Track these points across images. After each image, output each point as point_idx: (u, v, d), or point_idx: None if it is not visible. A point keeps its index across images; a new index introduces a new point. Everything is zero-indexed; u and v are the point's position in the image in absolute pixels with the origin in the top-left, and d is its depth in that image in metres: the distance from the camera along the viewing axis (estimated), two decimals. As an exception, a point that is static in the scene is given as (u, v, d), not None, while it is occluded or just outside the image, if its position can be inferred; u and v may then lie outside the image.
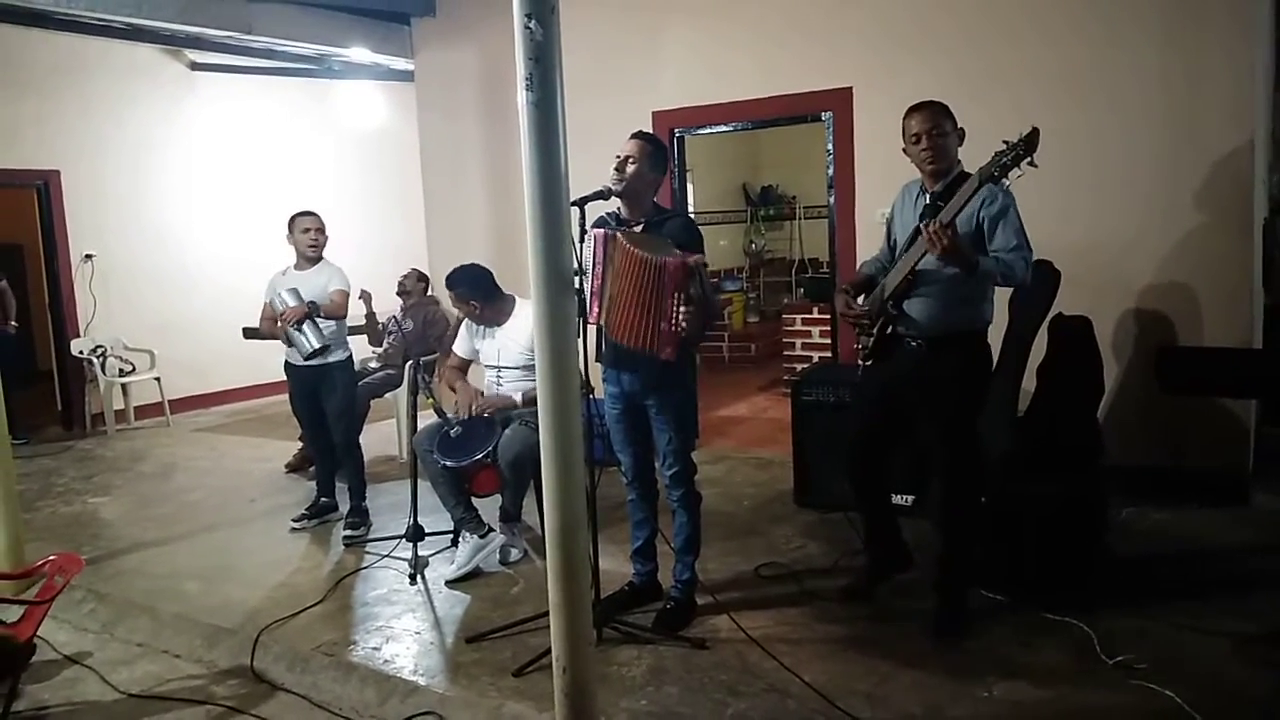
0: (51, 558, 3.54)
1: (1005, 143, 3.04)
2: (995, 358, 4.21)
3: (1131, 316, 4.80)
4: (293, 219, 4.96)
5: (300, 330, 4.71)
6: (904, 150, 3.37)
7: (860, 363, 3.59)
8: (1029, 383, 4.27)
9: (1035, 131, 3.01)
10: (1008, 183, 3.08)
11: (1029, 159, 3.00)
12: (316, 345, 4.73)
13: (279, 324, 4.76)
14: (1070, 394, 4.18)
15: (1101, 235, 4.78)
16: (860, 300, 3.54)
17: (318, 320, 4.74)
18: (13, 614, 3.47)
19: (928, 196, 3.34)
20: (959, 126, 3.31)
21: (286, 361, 5.02)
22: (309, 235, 4.90)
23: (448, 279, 4.45)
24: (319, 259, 4.94)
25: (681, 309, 3.20)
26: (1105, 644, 3.20)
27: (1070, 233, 4.73)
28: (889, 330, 3.44)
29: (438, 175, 7.29)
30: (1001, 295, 4.18)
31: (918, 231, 3.25)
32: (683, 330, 3.23)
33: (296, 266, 4.98)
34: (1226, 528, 4.30)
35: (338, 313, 4.82)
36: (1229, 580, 3.80)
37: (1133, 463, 4.53)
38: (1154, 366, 4.33)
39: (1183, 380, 4.19)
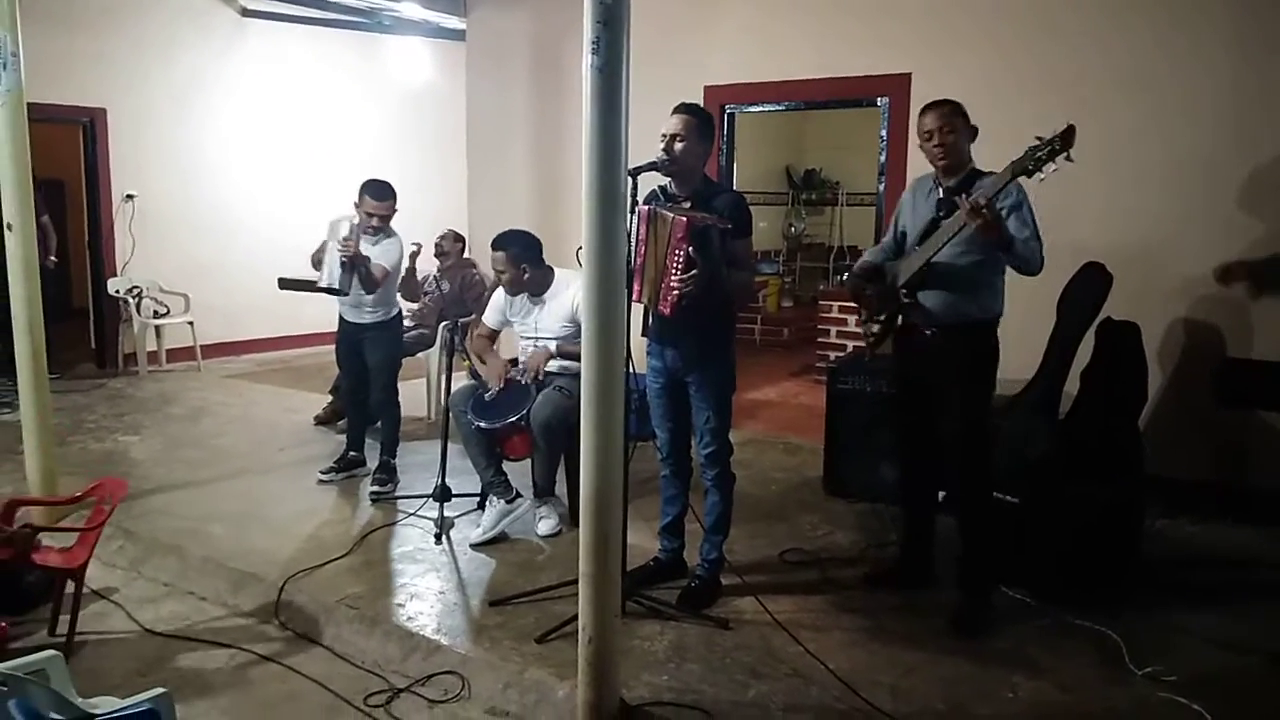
0: (96, 485, 3.58)
1: (1038, 138, 3.04)
2: (1041, 356, 4.20)
3: (1181, 325, 4.71)
4: (361, 191, 4.86)
5: (342, 267, 4.66)
6: (920, 146, 3.46)
7: (868, 348, 3.70)
8: (1072, 385, 4.21)
9: (1071, 128, 3.01)
10: (1043, 177, 3.04)
11: (1065, 155, 2.99)
12: (333, 285, 4.70)
13: (339, 244, 4.65)
14: (1114, 400, 4.12)
15: (1156, 240, 4.69)
16: (869, 287, 3.62)
17: (359, 272, 4.71)
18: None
19: (941, 190, 3.40)
20: (972, 125, 3.39)
21: (340, 313, 5.05)
22: (373, 219, 4.82)
23: (498, 239, 4.37)
24: (382, 231, 4.90)
25: (678, 268, 3.19)
26: (1134, 653, 3.16)
27: (1125, 236, 4.67)
28: (899, 320, 3.52)
29: (483, 138, 7.26)
30: (1049, 295, 4.17)
31: (933, 224, 3.35)
32: (675, 289, 3.21)
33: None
34: (1264, 545, 4.23)
35: (371, 284, 4.78)
36: (1264, 597, 3.75)
37: (1172, 474, 4.45)
38: (1213, 380, 4.28)
39: (1239, 394, 4.13)
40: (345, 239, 4.65)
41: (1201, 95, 4.59)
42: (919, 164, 5.25)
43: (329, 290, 4.76)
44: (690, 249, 3.18)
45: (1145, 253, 4.64)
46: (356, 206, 4.87)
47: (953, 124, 3.33)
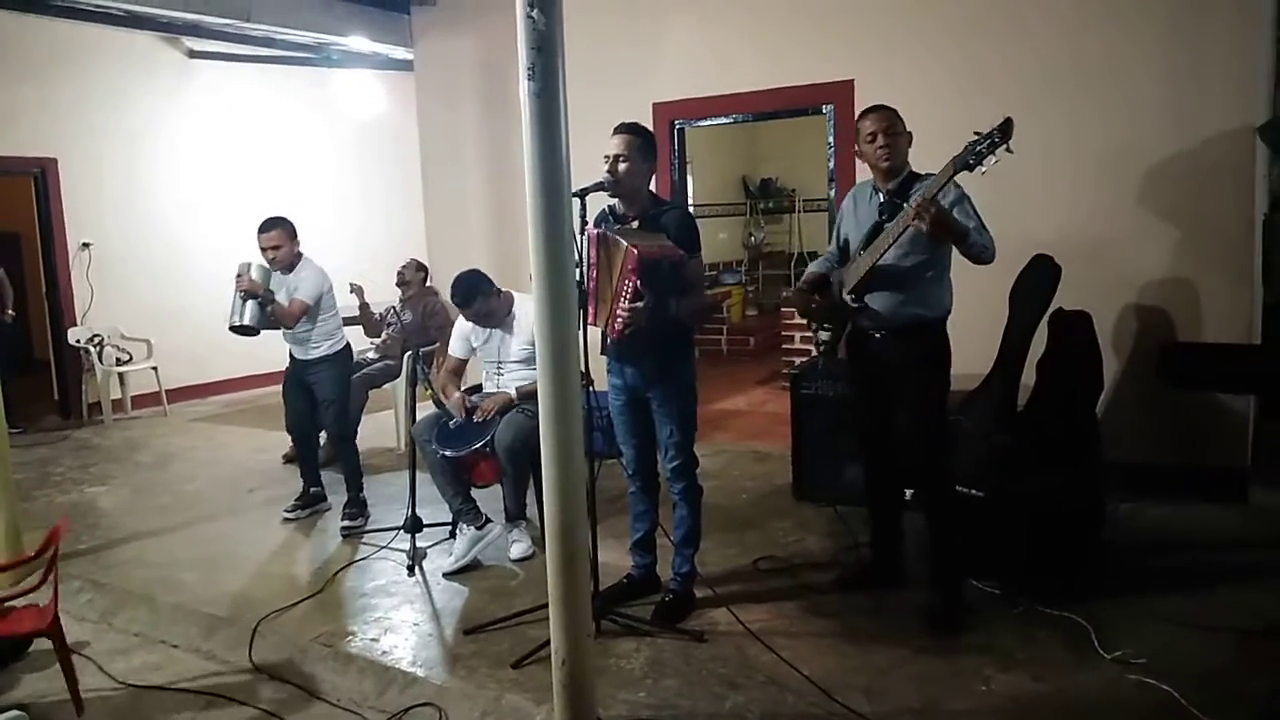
0: (51, 533, 3.54)
1: (976, 133, 3.08)
2: (996, 350, 4.26)
3: (1132, 312, 4.79)
4: (259, 229, 4.89)
5: (243, 301, 4.71)
6: (856, 150, 3.52)
7: (820, 355, 3.77)
8: (1028, 377, 4.26)
9: (1009, 120, 3.05)
10: (984, 170, 3.09)
11: (1005, 146, 3.03)
12: (243, 322, 4.72)
13: (237, 279, 4.73)
14: (1069, 389, 4.18)
15: (1103, 230, 4.77)
16: (816, 298, 3.66)
17: (264, 306, 4.72)
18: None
19: (882, 195, 3.44)
20: (908, 130, 3.44)
21: (289, 350, 5.05)
22: (266, 253, 4.85)
23: (457, 298, 4.39)
24: (286, 267, 4.88)
25: (626, 297, 3.22)
26: (1103, 638, 3.20)
27: (1071, 227, 4.74)
28: (848, 325, 3.57)
29: (437, 165, 7.27)
30: (1000, 288, 4.23)
31: (876, 229, 3.39)
32: (620, 318, 3.25)
33: None
34: (1225, 523, 4.31)
35: (284, 318, 4.78)
36: (1228, 576, 3.80)
37: (1131, 458, 4.52)
38: (1157, 363, 4.34)
39: (1186, 376, 4.20)
40: (238, 275, 4.72)
41: (1137, 84, 4.68)
42: (867, 168, 5.35)
43: (238, 330, 4.76)
44: (639, 281, 3.20)
45: (1092, 242, 4.71)
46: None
47: (894, 125, 3.39)
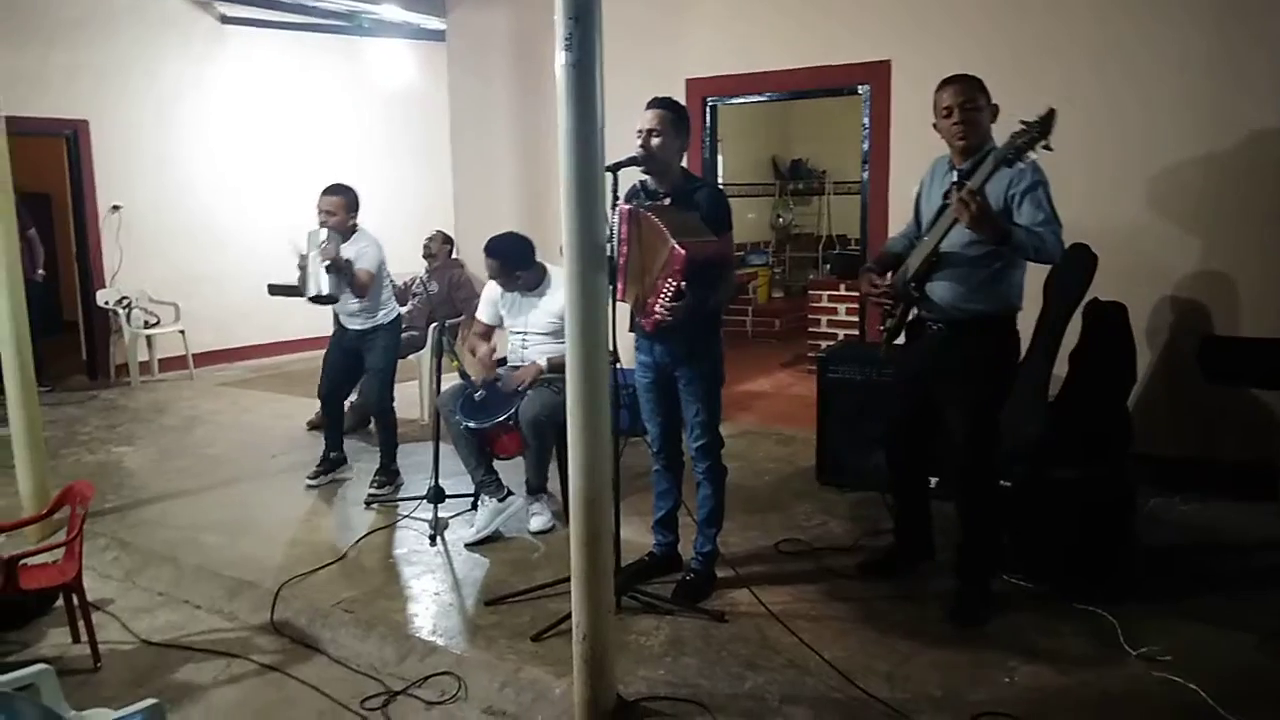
0: (63, 492, 3.58)
1: (1022, 123, 2.96)
2: (1026, 343, 4.19)
3: (1168, 304, 4.71)
4: (323, 191, 4.92)
5: (326, 272, 4.67)
6: (934, 125, 3.29)
7: (882, 343, 3.54)
8: (1060, 368, 4.21)
9: (1052, 112, 2.92)
10: (1034, 156, 2.97)
11: (1044, 142, 2.91)
12: (326, 292, 4.71)
13: (317, 251, 4.69)
14: (1102, 381, 4.13)
15: (1142, 220, 4.69)
16: (887, 278, 3.45)
17: (344, 275, 4.71)
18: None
19: (955, 173, 3.25)
20: (993, 102, 3.22)
21: (336, 315, 5.08)
22: (320, 215, 4.85)
23: (490, 245, 4.36)
24: (342, 234, 4.88)
25: (669, 295, 3.17)
26: (1129, 634, 3.17)
27: (1110, 216, 4.65)
28: (910, 313, 3.38)
29: (467, 137, 7.24)
30: (1035, 278, 4.16)
31: (943, 208, 3.19)
32: (660, 314, 3.21)
33: None
34: (1255, 521, 4.24)
35: (360, 288, 4.79)
36: (1256, 574, 3.76)
37: (1163, 452, 4.46)
38: (1198, 355, 4.27)
39: (1227, 370, 4.12)
40: (324, 244, 4.68)
41: (1180, 73, 4.58)
42: (902, 151, 5.30)
43: (319, 299, 4.76)
44: (683, 283, 3.15)
45: (1130, 233, 4.64)
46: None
47: (974, 99, 3.15)
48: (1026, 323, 4.18)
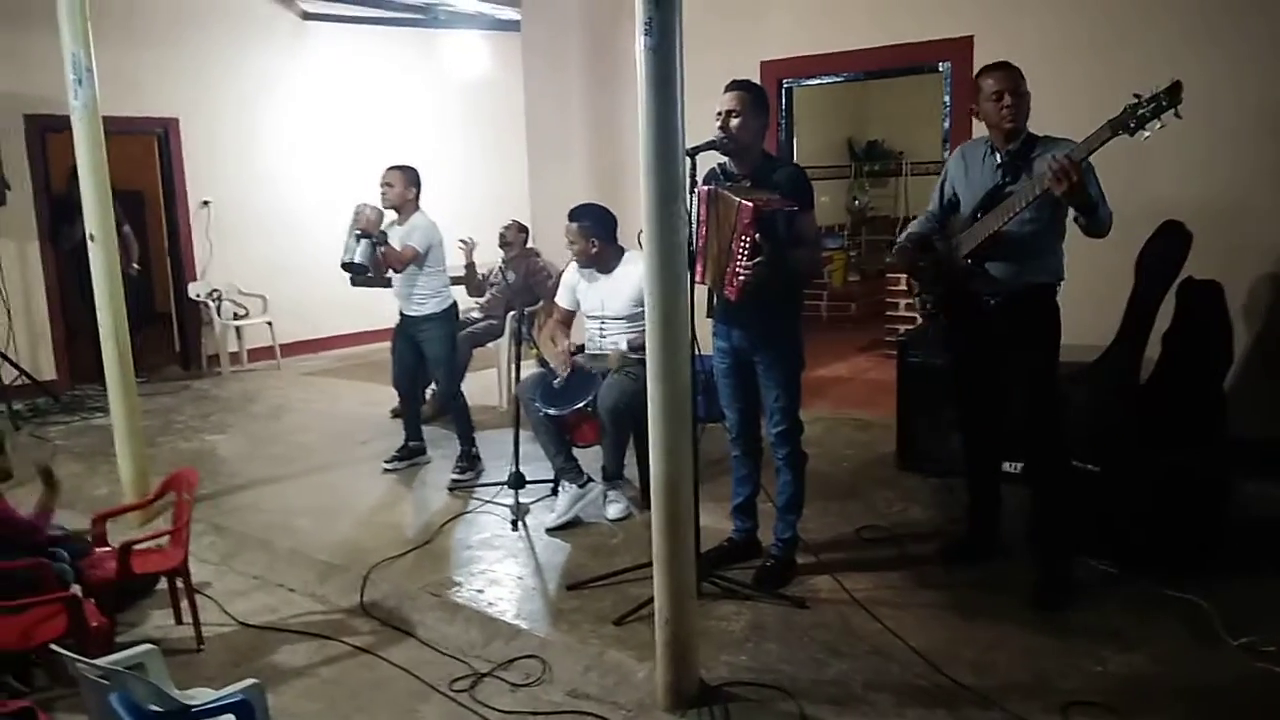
0: (169, 480, 3.73)
1: (1136, 96, 2.92)
2: (1118, 320, 4.09)
3: (1267, 282, 4.53)
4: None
5: (357, 240, 4.83)
6: (973, 109, 3.39)
7: (925, 321, 3.70)
8: (1153, 349, 4.08)
9: (1178, 84, 2.89)
10: (1147, 135, 2.93)
11: (1174, 111, 2.88)
12: (353, 259, 4.84)
13: (355, 215, 4.87)
14: (1196, 362, 3.99)
15: (1236, 196, 4.51)
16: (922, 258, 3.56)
17: (375, 246, 4.83)
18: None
19: (999, 156, 3.31)
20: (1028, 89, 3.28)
21: (399, 308, 5.19)
22: (381, 188, 5.00)
23: (574, 210, 4.41)
24: (397, 209, 5.01)
25: (744, 254, 3.17)
26: (1228, 623, 3.07)
27: (1205, 192, 4.50)
28: (959, 290, 3.44)
29: (541, 126, 7.28)
30: (1125, 256, 4.05)
31: (995, 191, 3.27)
32: (740, 275, 3.19)
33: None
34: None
35: (393, 261, 4.90)
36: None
37: (1261, 435, 4.29)
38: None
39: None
40: (359, 208, 4.85)
41: (1273, 43, 4.38)
42: (984, 129, 5.16)
43: (349, 267, 4.89)
44: (757, 235, 3.15)
45: (1226, 209, 4.46)
46: None
47: (1019, 85, 3.25)
48: (1118, 303, 4.10)
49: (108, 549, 3.58)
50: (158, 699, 2.26)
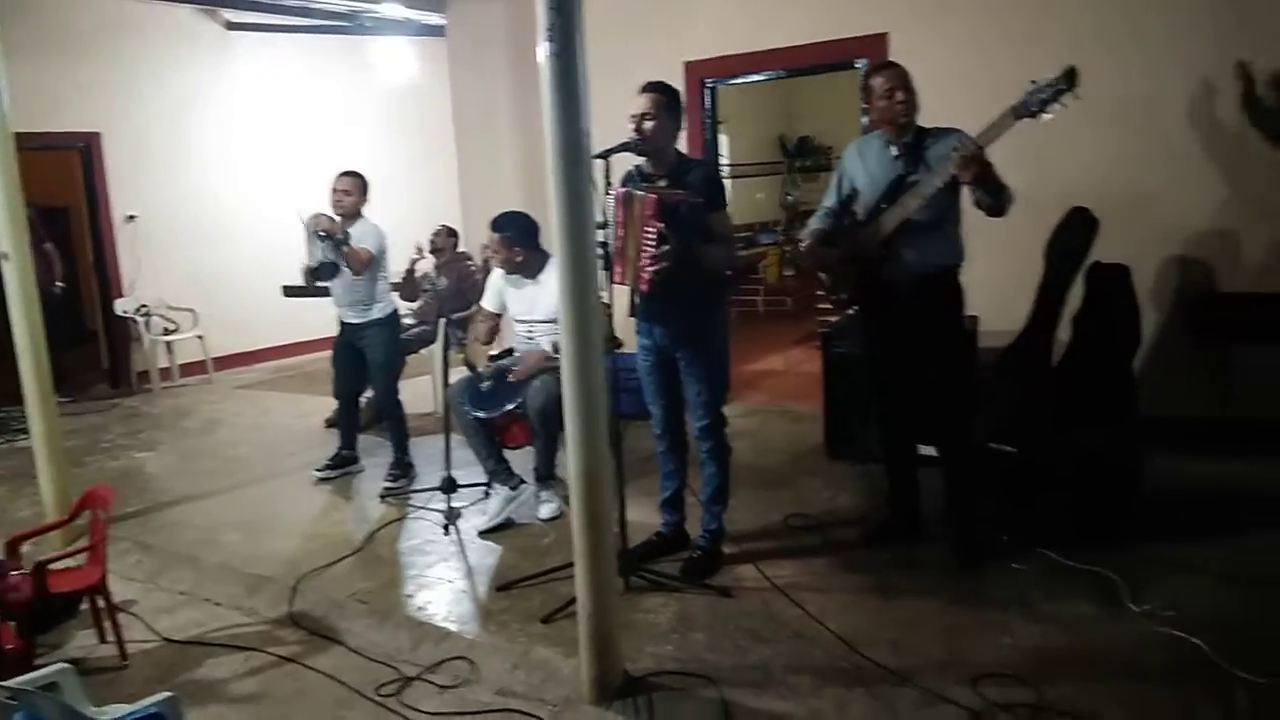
0: (83, 498, 3.68)
1: (1033, 81, 3.07)
2: (1029, 304, 4.21)
3: (1172, 264, 4.69)
4: (338, 174, 5.07)
5: (321, 240, 4.83)
6: (865, 107, 3.59)
7: (839, 311, 3.95)
8: (1064, 332, 4.21)
9: (1073, 69, 3.04)
10: (1049, 117, 3.08)
11: (1072, 92, 3.03)
12: (320, 260, 4.88)
13: (312, 221, 4.86)
14: (1106, 344, 4.12)
15: (1142, 181, 4.66)
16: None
17: (340, 246, 4.82)
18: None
19: (895, 148, 3.45)
20: None
21: (339, 317, 5.20)
22: (334, 195, 4.98)
23: (495, 220, 4.42)
24: (349, 216, 4.98)
25: (650, 244, 3.24)
26: (1134, 591, 3.19)
27: (1110, 179, 4.64)
28: (872, 279, 3.56)
29: (469, 131, 7.28)
30: (1034, 241, 4.18)
31: (898, 182, 3.40)
32: (647, 265, 3.26)
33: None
34: (1264, 478, 4.21)
35: (354, 261, 4.87)
36: (1265, 530, 3.74)
37: (1170, 414, 4.44)
38: (1187, 316, 4.27)
39: (1211, 327, 4.12)
40: (316, 215, 4.84)
41: (1182, 35, 4.54)
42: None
43: (315, 271, 4.89)
44: (661, 226, 3.21)
45: (1132, 194, 4.61)
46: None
47: (908, 81, 3.40)
48: (1027, 289, 4.22)
49: (23, 571, 3.52)
50: (68, 717, 2.24)
